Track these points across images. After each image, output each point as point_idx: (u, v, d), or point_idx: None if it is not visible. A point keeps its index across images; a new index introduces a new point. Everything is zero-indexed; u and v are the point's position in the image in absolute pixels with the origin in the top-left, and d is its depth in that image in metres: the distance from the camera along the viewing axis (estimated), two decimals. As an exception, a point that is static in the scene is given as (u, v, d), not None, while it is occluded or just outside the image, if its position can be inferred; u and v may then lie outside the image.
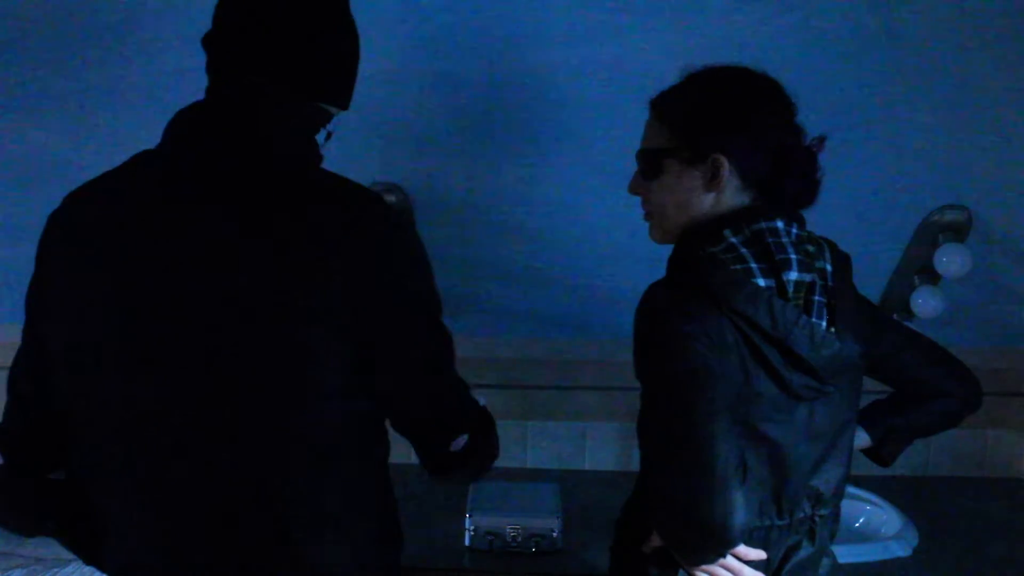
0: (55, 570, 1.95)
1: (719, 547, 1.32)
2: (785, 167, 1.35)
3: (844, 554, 1.52)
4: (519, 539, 1.99)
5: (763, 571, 1.39)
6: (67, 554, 2.00)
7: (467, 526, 2.00)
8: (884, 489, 2.36)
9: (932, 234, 2.22)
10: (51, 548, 2.06)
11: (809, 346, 1.32)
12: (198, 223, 1.20)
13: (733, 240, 1.32)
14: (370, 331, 1.21)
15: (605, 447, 2.55)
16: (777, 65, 1.83)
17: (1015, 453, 2.62)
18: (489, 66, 1.83)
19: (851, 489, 2.30)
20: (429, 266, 1.29)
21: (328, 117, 1.33)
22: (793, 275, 1.31)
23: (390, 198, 2.11)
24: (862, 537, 2.15)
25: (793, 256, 1.32)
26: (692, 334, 1.28)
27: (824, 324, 1.35)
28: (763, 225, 1.33)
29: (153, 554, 1.27)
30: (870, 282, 2.40)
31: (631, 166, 1.51)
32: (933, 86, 1.87)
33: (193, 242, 1.19)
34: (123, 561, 1.31)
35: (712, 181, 1.36)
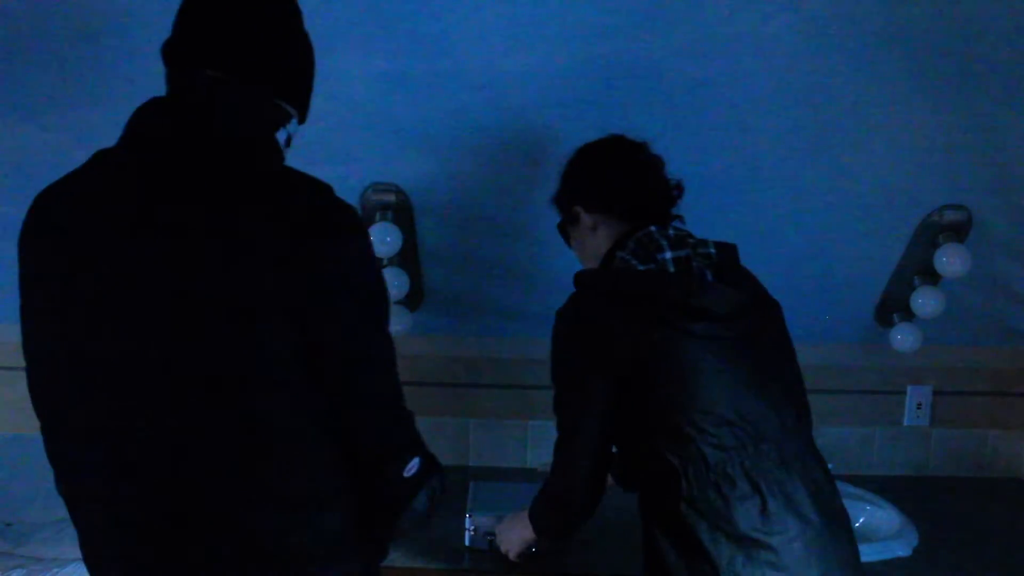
0: (55, 570, 1.95)
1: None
2: (636, 193, 1.68)
3: (844, 554, 1.52)
4: (519, 539, 1.98)
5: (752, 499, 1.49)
6: (67, 554, 2.01)
7: (467, 526, 2.00)
8: (884, 489, 2.36)
9: (932, 234, 2.22)
10: (51, 548, 2.06)
11: (683, 291, 1.52)
12: (158, 222, 1.20)
13: (622, 255, 1.62)
14: (322, 325, 1.21)
15: (605, 447, 2.54)
16: (777, 65, 1.83)
17: (1015, 453, 2.62)
18: (489, 66, 1.83)
19: (851, 489, 2.31)
20: (380, 268, 1.30)
21: (287, 116, 1.33)
22: (667, 254, 1.58)
23: (389, 198, 2.12)
24: (862, 537, 2.13)
25: (664, 242, 1.59)
26: (586, 320, 1.59)
27: (709, 276, 1.57)
28: (639, 234, 1.62)
29: (118, 557, 1.27)
30: (870, 282, 2.41)
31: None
32: (933, 86, 1.87)
33: (152, 242, 1.19)
34: (92, 561, 1.31)
35: (580, 226, 1.72)
